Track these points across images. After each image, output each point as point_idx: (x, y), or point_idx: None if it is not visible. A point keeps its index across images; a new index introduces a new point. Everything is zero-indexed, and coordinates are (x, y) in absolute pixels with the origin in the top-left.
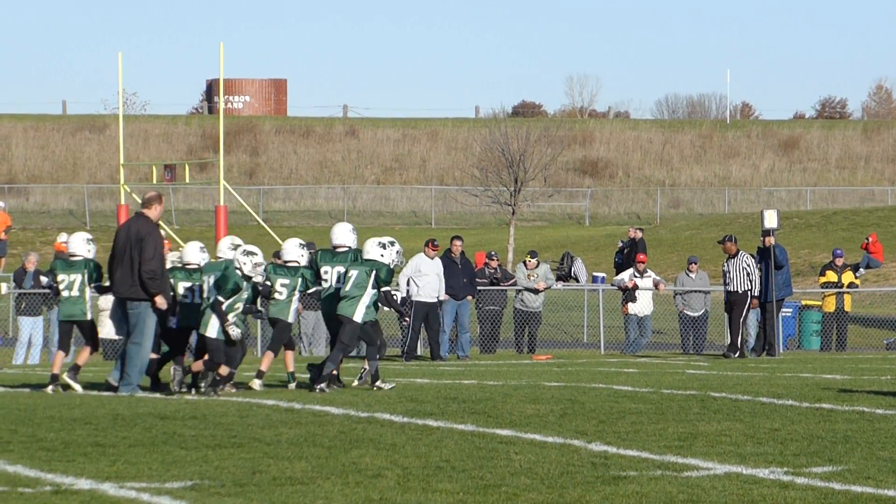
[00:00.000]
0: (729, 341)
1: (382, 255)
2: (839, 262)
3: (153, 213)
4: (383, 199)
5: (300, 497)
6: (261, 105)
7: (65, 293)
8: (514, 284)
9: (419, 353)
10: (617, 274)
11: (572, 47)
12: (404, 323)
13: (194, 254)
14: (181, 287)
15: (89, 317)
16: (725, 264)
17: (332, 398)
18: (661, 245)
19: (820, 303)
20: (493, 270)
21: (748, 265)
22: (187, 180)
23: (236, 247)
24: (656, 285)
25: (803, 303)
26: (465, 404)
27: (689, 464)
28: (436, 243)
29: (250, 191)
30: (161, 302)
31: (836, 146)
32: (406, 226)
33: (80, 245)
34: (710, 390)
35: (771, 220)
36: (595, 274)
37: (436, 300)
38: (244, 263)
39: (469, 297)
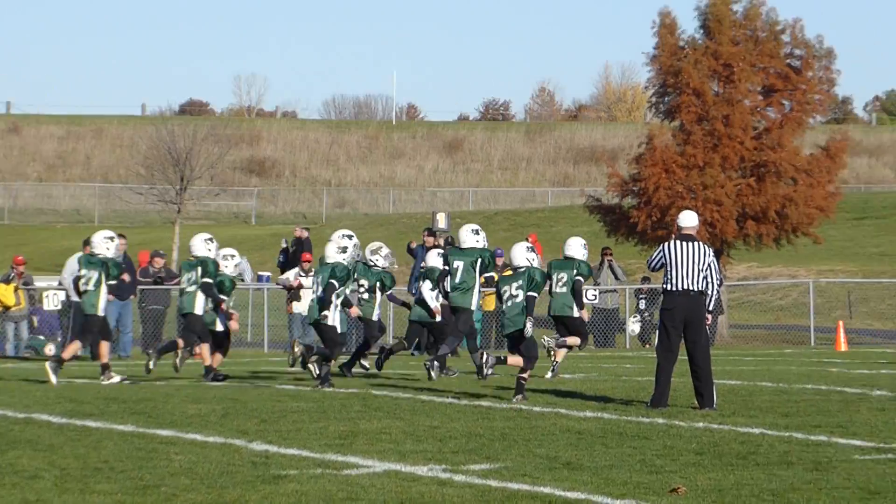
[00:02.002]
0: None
1: (478, 241)
2: (499, 261)
3: None
4: (46, 196)
5: None
6: None
7: (82, 288)
8: (179, 284)
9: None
10: (282, 273)
11: (240, 46)
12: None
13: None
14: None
15: (100, 312)
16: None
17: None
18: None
19: (480, 302)
20: (157, 269)
21: None
22: None
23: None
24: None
25: None
26: (126, 404)
27: (349, 462)
28: None
29: None
30: None
31: (498, 148)
32: (68, 224)
33: (100, 244)
34: (371, 388)
35: (442, 221)
36: (260, 273)
37: None
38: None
39: (131, 297)
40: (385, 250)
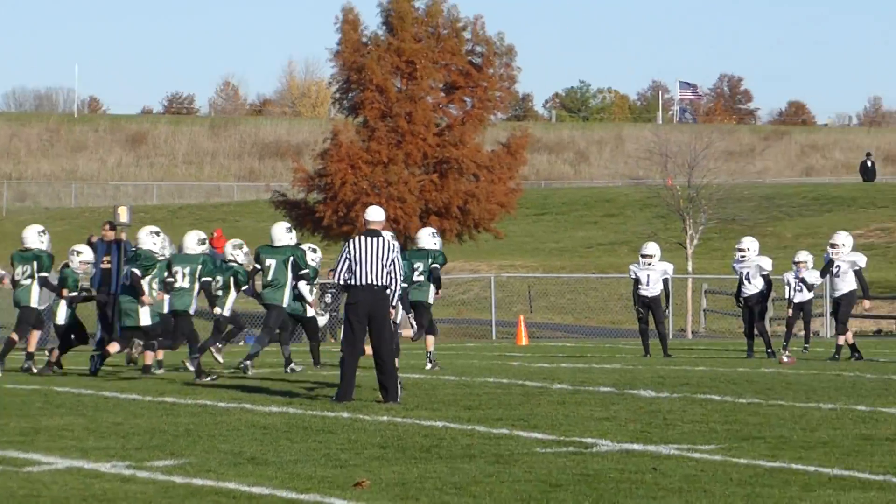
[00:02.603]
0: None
1: (292, 239)
2: None
3: None
4: None
5: None
6: None
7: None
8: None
9: None
10: None
11: None
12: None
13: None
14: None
15: (33, 304)
16: None
17: None
18: (6, 239)
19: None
20: None
21: None
22: None
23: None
24: (1, 280)
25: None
26: None
27: (30, 459)
28: None
29: None
30: None
31: (183, 141)
32: None
33: (34, 237)
34: (54, 385)
35: (124, 215)
36: None
37: None
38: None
39: None
40: (246, 248)
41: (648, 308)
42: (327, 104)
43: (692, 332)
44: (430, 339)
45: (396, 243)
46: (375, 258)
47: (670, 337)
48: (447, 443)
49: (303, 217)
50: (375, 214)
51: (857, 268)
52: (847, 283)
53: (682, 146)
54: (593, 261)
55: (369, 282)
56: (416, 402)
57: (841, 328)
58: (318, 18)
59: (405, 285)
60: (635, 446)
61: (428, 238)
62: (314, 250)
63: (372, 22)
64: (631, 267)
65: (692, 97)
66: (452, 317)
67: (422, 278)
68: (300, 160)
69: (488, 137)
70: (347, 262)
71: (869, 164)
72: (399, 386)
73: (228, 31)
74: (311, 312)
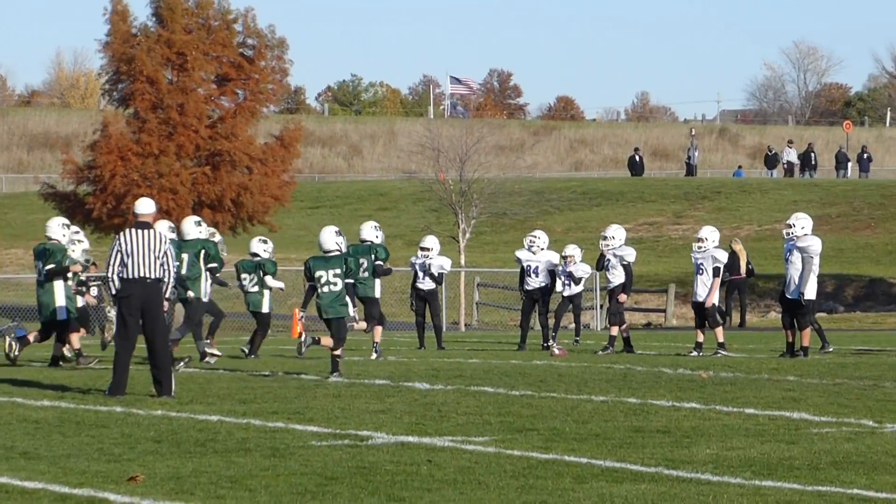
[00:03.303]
0: None
1: (200, 233)
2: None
3: None
4: None
5: None
6: None
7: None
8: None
9: None
10: None
11: None
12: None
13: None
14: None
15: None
16: None
17: None
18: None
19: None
20: None
21: None
22: None
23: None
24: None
25: None
26: None
27: None
28: None
29: None
30: None
31: None
32: None
33: (56, 230)
34: None
35: None
36: None
37: None
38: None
39: None
40: (270, 243)
41: (424, 301)
42: (97, 95)
43: (465, 325)
44: (379, 329)
45: (172, 234)
46: (147, 251)
47: (444, 329)
48: (222, 437)
49: (73, 209)
50: (145, 207)
51: (625, 262)
52: (618, 277)
53: (454, 140)
54: None
55: (142, 275)
56: (191, 397)
57: (612, 319)
58: (86, 9)
59: (351, 281)
60: (410, 438)
61: (370, 231)
62: (265, 241)
63: (142, 13)
64: (411, 260)
65: (467, 91)
66: (226, 309)
67: (366, 274)
68: (70, 152)
69: (261, 130)
70: (119, 255)
71: (637, 158)
72: (173, 379)
73: None
74: (265, 308)
